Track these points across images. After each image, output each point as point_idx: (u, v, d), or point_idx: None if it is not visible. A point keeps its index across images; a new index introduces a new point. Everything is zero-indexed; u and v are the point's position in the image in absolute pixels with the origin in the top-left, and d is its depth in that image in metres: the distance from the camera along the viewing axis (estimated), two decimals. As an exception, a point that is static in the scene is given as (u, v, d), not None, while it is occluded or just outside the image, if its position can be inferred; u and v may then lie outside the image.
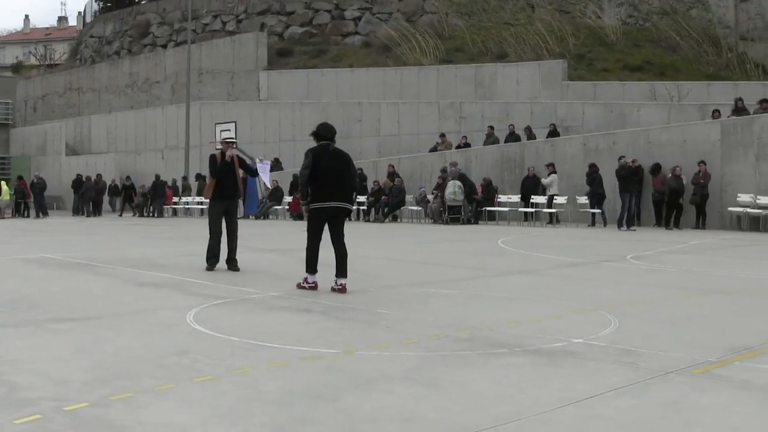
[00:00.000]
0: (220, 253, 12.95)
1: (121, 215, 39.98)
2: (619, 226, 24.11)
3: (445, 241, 20.00)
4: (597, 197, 26.03)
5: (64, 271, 12.80)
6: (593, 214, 26.09)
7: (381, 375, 6.02)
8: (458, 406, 5.22)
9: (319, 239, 10.61)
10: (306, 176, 10.50)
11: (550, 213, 26.88)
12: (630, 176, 24.58)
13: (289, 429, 4.76)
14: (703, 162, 24.07)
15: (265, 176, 14.54)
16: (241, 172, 13.42)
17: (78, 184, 41.48)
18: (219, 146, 14.26)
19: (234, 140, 13.99)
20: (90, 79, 54.54)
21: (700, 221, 24.21)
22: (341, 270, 10.51)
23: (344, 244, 10.64)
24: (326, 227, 10.67)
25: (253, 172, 14.06)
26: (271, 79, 44.35)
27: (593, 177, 26.16)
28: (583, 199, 26.39)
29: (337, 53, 45.42)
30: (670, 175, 24.71)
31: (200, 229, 22.92)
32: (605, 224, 25.70)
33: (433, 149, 33.40)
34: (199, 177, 38.80)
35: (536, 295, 10.26)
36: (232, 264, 12.98)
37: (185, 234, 23.10)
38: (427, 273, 12.88)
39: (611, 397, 5.43)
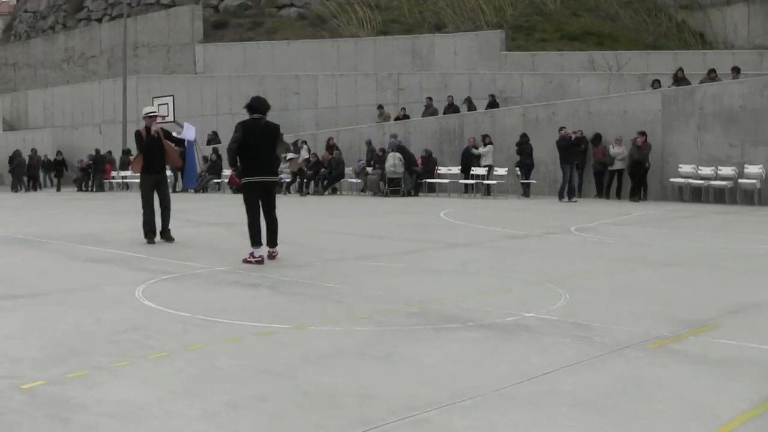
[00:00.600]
0: (156, 227, 13.25)
1: (58, 190, 39.23)
2: (560, 197, 24.18)
3: (387, 213, 20.03)
4: (525, 167, 26.26)
5: (6, 247, 12.64)
6: (526, 185, 26.26)
7: (334, 351, 6.02)
8: (415, 381, 5.24)
9: (258, 210, 10.82)
10: (234, 149, 10.72)
11: (487, 185, 26.99)
12: (570, 147, 24.57)
13: (247, 406, 4.75)
14: (643, 132, 24.24)
15: (191, 132, 14.38)
16: (172, 146, 13.62)
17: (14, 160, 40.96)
18: (158, 120, 14.37)
19: (155, 113, 14.04)
20: (25, 54, 53.68)
21: (641, 193, 24.39)
22: (272, 240, 10.97)
23: (275, 216, 11.04)
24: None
25: (179, 142, 14.08)
26: (207, 52, 43.94)
27: (522, 147, 26.42)
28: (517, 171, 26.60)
29: (273, 26, 45.03)
30: (613, 146, 24.79)
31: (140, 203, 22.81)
32: (528, 195, 25.96)
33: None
34: (126, 152, 38.25)
35: (483, 269, 10.34)
36: (166, 235, 13.33)
37: (126, 208, 22.77)
38: (373, 246, 12.89)
39: (568, 372, 5.46)
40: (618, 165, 24.82)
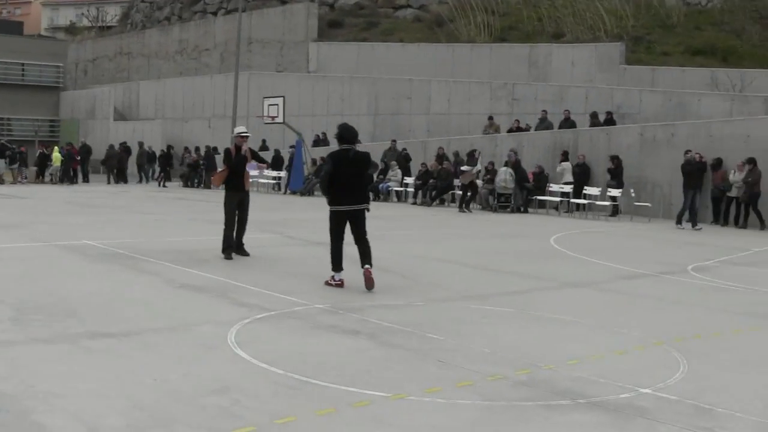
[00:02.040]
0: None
1: (163, 185, 38.74)
2: (678, 222, 23.14)
3: (496, 236, 19.40)
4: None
5: (105, 266, 12.35)
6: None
7: (436, 436, 5.53)
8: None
9: (342, 239, 11.11)
10: (327, 182, 11.08)
11: (575, 203, 26.54)
12: (695, 171, 23.51)
13: None
14: (751, 160, 23.35)
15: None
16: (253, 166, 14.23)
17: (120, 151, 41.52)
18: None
19: (248, 134, 14.31)
20: (140, 44, 54.41)
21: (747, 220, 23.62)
22: (366, 258, 11.00)
23: (367, 241, 11.12)
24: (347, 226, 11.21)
25: (262, 160, 14.76)
26: (321, 51, 43.81)
27: (616, 171, 26.32)
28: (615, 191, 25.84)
29: (388, 26, 44.74)
30: (734, 172, 23.73)
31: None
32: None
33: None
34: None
35: (596, 319, 9.69)
36: (241, 250, 13.83)
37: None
38: (480, 281, 12.33)
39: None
40: (735, 192, 23.86)
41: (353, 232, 11.15)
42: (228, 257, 13.46)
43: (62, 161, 38.54)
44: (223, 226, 13.73)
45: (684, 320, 9.91)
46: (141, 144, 42.60)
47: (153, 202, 27.27)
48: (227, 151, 14.05)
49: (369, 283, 10.81)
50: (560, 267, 14.18)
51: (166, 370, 6.82)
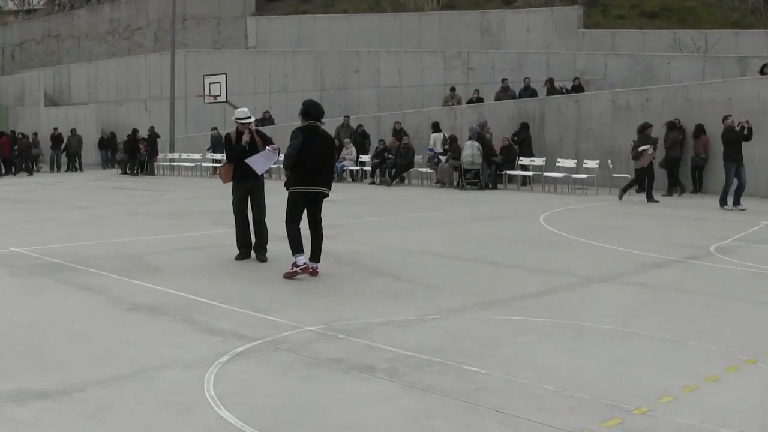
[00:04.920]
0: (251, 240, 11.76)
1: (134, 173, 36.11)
2: (722, 203, 19.24)
3: (478, 220, 17.42)
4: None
5: (35, 282, 10.03)
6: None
7: None
8: None
9: (299, 222, 10.21)
10: (293, 157, 10.01)
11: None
12: (739, 139, 19.28)
13: None
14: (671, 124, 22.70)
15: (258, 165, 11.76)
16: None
17: (56, 139, 39.09)
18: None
19: (250, 119, 11.72)
20: (69, 25, 51.64)
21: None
22: (316, 254, 10.33)
23: (322, 228, 10.43)
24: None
25: (271, 142, 11.74)
26: (260, 25, 41.67)
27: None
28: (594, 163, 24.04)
29: (329, -3, 42.73)
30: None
31: (192, 197, 20.41)
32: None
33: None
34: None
35: (650, 327, 7.76)
36: (260, 255, 11.61)
37: (177, 207, 20.42)
38: (487, 280, 10.34)
39: None
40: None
41: (309, 218, 10.31)
42: (241, 257, 11.57)
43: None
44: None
45: (753, 322, 8.07)
46: (74, 131, 40.03)
47: (92, 192, 24.96)
48: (227, 138, 11.64)
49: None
50: (569, 256, 12.25)
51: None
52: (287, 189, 10.26)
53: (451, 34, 36.38)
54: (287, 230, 10.13)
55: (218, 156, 34.01)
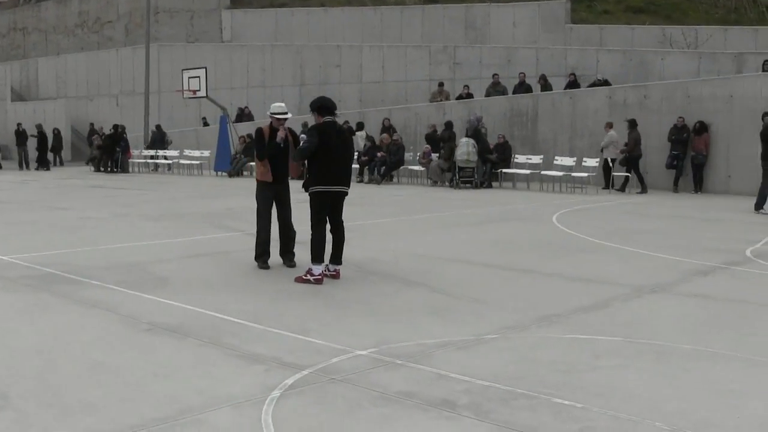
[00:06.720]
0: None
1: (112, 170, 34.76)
2: (758, 206, 17.89)
3: (489, 222, 16.54)
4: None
5: (34, 297, 8.88)
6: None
7: None
8: None
9: (326, 224, 9.80)
10: (308, 153, 9.59)
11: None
12: None
13: None
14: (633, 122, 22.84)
15: None
16: None
17: (21, 135, 37.81)
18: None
19: (287, 115, 10.66)
20: (35, 18, 50.23)
21: None
22: (337, 256, 9.96)
23: (343, 228, 10.06)
24: None
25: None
26: (235, 18, 40.68)
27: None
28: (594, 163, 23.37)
29: (306, -10, 41.69)
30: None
31: (176, 197, 19.25)
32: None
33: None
34: (158, 128, 35.54)
35: (735, 348, 6.92)
36: (287, 260, 10.84)
37: (166, 208, 19.33)
38: (531, 291, 9.44)
39: None
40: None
41: (330, 218, 9.87)
42: (263, 266, 10.65)
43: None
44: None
45: None
46: (39, 126, 38.67)
47: (68, 193, 23.81)
48: (259, 134, 10.67)
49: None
50: (603, 262, 11.41)
51: None
52: (306, 190, 9.73)
53: (434, 29, 35.54)
54: (313, 233, 9.65)
55: (153, 152, 33.82)
